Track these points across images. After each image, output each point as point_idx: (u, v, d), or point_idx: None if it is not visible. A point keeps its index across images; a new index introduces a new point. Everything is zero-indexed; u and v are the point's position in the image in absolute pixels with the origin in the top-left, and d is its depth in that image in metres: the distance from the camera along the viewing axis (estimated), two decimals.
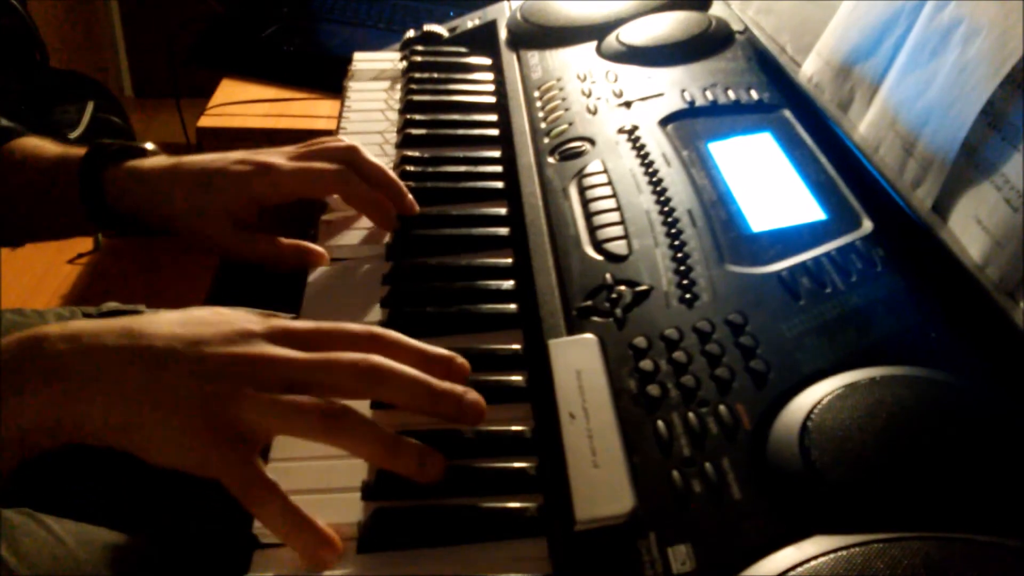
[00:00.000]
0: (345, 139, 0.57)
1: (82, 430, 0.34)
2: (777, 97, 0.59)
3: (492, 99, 0.69)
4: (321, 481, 0.38)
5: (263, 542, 0.35)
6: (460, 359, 0.39)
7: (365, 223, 0.56)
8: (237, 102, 0.99)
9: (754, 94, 0.60)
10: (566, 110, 0.61)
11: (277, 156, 0.54)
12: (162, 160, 0.56)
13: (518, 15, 0.75)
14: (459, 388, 0.37)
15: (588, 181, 0.53)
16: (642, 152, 0.55)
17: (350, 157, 0.54)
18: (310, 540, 0.34)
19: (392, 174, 0.55)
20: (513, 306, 0.48)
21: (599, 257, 0.47)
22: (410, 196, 0.55)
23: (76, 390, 0.34)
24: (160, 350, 0.34)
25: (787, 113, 0.57)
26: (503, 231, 0.55)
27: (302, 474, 0.38)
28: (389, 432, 0.36)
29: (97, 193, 0.54)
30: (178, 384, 0.34)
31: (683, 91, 0.61)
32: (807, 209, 0.49)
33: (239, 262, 0.55)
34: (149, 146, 0.56)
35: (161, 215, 0.54)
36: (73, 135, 1.18)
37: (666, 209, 0.50)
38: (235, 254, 0.54)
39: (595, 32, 0.70)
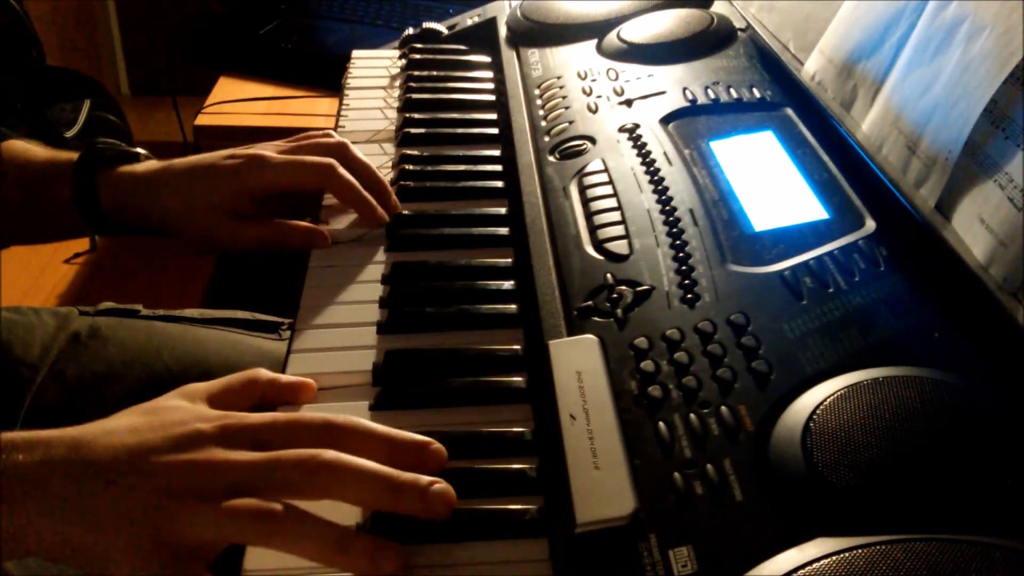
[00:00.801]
0: (340, 136, 0.57)
1: (26, 546, 0.33)
2: (779, 95, 0.59)
3: (492, 97, 0.69)
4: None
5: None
6: (435, 445, 0.36)
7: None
8: (235, 100, 0.99)
9: (756, 92, 0.59)
10: (566, 108, 0.61)
11: (267, 150, 0.54)
12: (153, 164, 0.56)
13: (518, 12, 0.74)
14: (423, 480, 0.34)
15: (589, 180, 0.53)
16: (643, 151, 0.55)
17: (339, 153, 0.55)
18: None
19: (378, 174, 0.56)
20: (513, 306, 0.48)
21: (600, 257, 0.47)
22: (394, 197, 0.56)
23: (20, 506, 0.33)
24: (105, 465, 0.33)
25: (789, 111, 0.57)
26: (503, 230, 0.54)
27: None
28: (336, 527, 0.33)
29: (91, 197, 0.54)
30: (120, 502, 0.33)
31: (685, 89, 0.60)
32: (809, 208, 0.48)
33: (239, 252, 0.55)
34: (141, 151, 0.57)
35: (155, 216, 0.55)
36: (69, 134, 1.18)
37: (667, 208, 0.49)
38: (232, 243, 0.54)
39: (596, 30, 0.70)
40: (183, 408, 0.37)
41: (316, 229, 0.54)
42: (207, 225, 0.54)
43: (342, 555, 0.33)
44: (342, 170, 0.53)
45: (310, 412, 0.37)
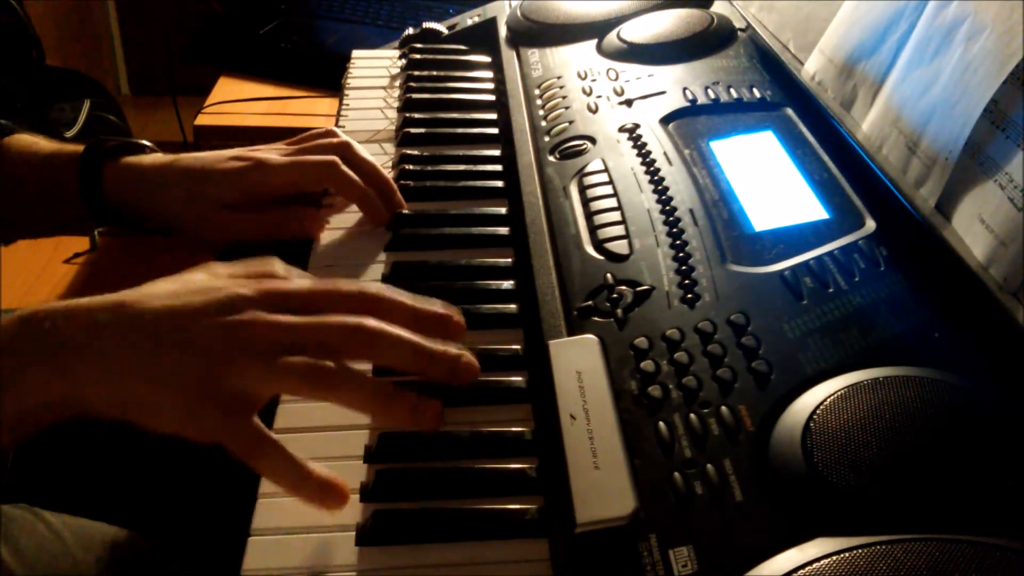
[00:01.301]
0: (341, 134, 0.57)
1: (81, 405, 0.35)
2: (779, 95, 0.59)
3: (492, 97, 0.69)
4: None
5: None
6: (457, 316, 0.39)
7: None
8: (235, 100, 0.99)
9: (756, 92, 0.59)
10: (566, 108, 0.61)
11: (271, 152, 0.55)
12: (159, 157, 0.56)
13: (518, 12, 0.74)
14: (452, 351, 0.37)
15: (589, 180, 0.53)
16: (643, 151, 0.55)
17: (343, 152, 0.55)
18: (315, 489, 0.34)
19: (382, 171, 0.56)
20: (513, 306, 0.48)
21: (600, 257, 0.47)
22: (399, 195, 0.56)
23: (72, 367, 0.34)
24: (150, 324, 0.35)
25: (789, 111, 0.57)
26: (503, 230, 0.54)
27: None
28: (382, 381, 0.36)
29: (96, 189, 0.55)
30: (169, 358, 0.34)
31: (685, 89, 0.60)
32: (809, 208, 0.48)
33: (237, 245, 0.55)
34: (146, 143, 0.57)
35: (158, 210, 0.55)
36: (69, 133, 1.18)
37: (667, 208, 0.49)
38: (230, 237, 0.55)
39: (596, 30, 0.70)
40: (221, 273, 0.38)
41: (310, 213, 0.54)
42: (207, 221, 0.54)
43: (387, 405, 0.35)
44: (345, 168, 0.54)
45: (343, 280, 0.38)
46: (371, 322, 0.36)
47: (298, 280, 0.38)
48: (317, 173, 0.54)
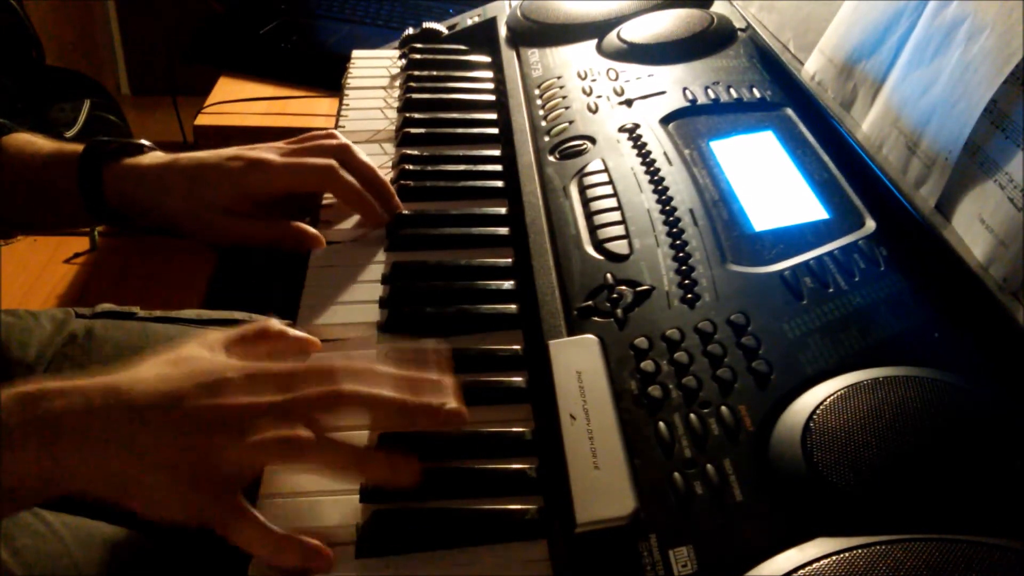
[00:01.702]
0: (340, 136, 0.57)
1: (73, 484, 0.36)
2: (779, 95, 0.59)
3: (492, 97, 0.69)
4: (320, 484, 0.38)
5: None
6: (447, 382, 0.39)
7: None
8: (235, 100, 0.99)
9: (756, 92, 0.59)
10: (566, 108, 0.61)
11: (270, 152, 0.55)
12: (159, 157, 0.56)
13: (518, 12, 0.74)
14: (433, 402, 0.37)
15: (589, 180, 0.53)
16: (643, 151, 0.55)
17: (342, 155, 0.55)
18: (297, 556, 0.35)
19: (380, 174, 0.56)
20: (513, 306, 0.48)
21: (600, 257, 0.47)
22: (396, 198, 0.56)
23: (66, 447, 0.35)
24: (142, 408, 0.36)
25: (789, 111, 0.57)
26: (503, 230, 0.54)
27: (302, 480, 0.38)
28: (356, 446, 0.37)
29: (96, 189, 0.55)
30: (160, 440, 0.35)
31: (685, 89, 0.60)
32: (809, 208, 0.48)
33: (236, 246, 0.56)
34: (145, 143, 0.57)
35: (158, 210, 0.55)
36: (69, 133, 1.18)
37: (667, 208, 0.49)
38: (230, 239, 0.55)
39: (596, 30, 0.70)
40: (205, 358, 0.39)
41: (311, 233, 0.54)
42: (206, 221, 0.54)
43: (364, 466, 0.37)
44: (343, 172, 0.54)
45: (333, 355, 0.40)
46: (347, 387, 0.37)
47: (284, 363, 0.39)
48: (315, 177, 0.54)
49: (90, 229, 1.13)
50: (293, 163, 0.54)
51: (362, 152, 0.56)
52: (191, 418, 0.36)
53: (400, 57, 0.76)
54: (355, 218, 0.56)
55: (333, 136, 0.57)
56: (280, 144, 0.56)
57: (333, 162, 0.54)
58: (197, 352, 0.39)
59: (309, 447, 0.36)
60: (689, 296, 0.43)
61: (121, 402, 0.36)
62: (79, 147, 0.56)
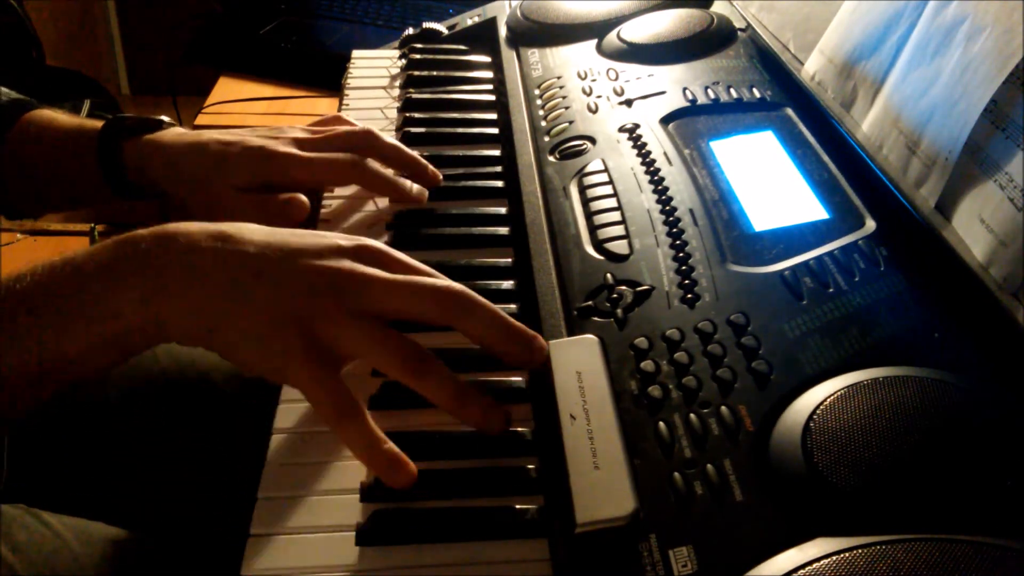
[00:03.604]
0: (357, 124, 0.57)
1: (173, 328, 0.35)
2: (779, 95, 0.59)
3: (492, 97, 0.69)
4: (321, 483, 0.38)
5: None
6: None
7: (365, 214, 0.56)
8: (235, 100, 0.99)
9: (756, 92, 0.59)
10: (566, 108, 0.61)
11: (292, 145, 0.54)
12: (180, 134, 0.56)
13: (518, 12, 0.74)
14: (530, 332, 0.38)
15: (589, 180, 0.53)
16: (643, 151, 0.55)
17: (367, 141, 0.55)
18: (384, 462, 0.35)
19: (409, 152, 0.56)
20: (513, 306, 0.48)
21: (600, 257, 0.47)
22: (431, 168, 0.56)
23: (170, 288, 0.35)
24: (252, 257, 0.35)
25: (789, 111, 0.57)
26: (503, 230, 0.54)
27: (301, 477, 0.38)
28: (462, 382, 0.37)
29: (117, 165, 0.55)
30: (268, 294, 0.35)
31: (685, 89, 0.60)
32: (809, 208, 0.48)
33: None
34: (165, 119, 0.57)
35: (176, 187, 0.55)
36: None
37: (667, 208, 0.49)
38: (233, 217, 0.55)
39: (596, 30, 0.70)
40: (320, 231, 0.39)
41: (295, 202, 0.54)
42: (217, 200, 0.54)
43: (462, 406, 0.37)
44: (371, 164, 0.54)
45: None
46: (465, 290, 0.37)
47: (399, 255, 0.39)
48: (343, 171, 0.54)
49: (91, 228, 1.13)
50: (319, 159, 0.53)
51: (383, 140, 0.56)
52: (304, 276, 0.35)
53: (400, 57, 0.76)
54: (355, 217, 0.56)
55: (351, 124, 0.57)
56: (302, 133, 0.55)
57: (357, 157, 0.54)
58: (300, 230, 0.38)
59: (426, 367, 0.35)
60: (689, 296, 0.43)
61: (231, 246, 0.36)
62: (99, 123, 0.56)
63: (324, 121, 0.58)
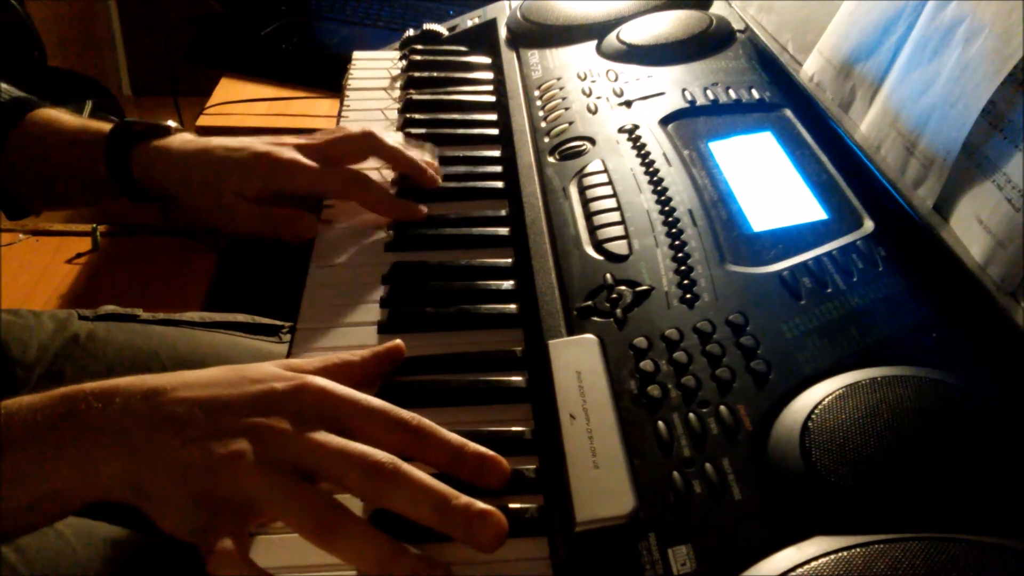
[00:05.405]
0: (356, 129, 0.57)
1: (104, 490, 0.34)
2: (778, 96, 0.59)
3: (492, 98, 0.69)
4: None
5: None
6: (498, 460, 0.36)
7: (366, 216, 0.56)
8: (236, 101, 0.99)
9: (755, 93, 0.59)
10: (566, 109, 0.61)
11: (298, 152, 0.55)
12: (188, 140, 0.56)
13: (518, 14, 0.75)
14: (476, 507, 0.33)
15: (588, 181, 0.53)
16: (643, 151, 0.55)
17: (369, 144, 0.56)
18: None
19: (408, 154, 0.57)
20: (513, 306, 0.48)
21: (599, 257, 0.47)
22: (430, 172, 0.57)
23: (102, 452, 0.34)
24: (177, 415, 0.34)
25: (788, 112, 0.57)
26: (503, 231, 0.55)
27: None
28: (388, 543, 0.33)
29: (124, 170, 0.55)
30: (184, 452, 0.34)
31: (684, 90, 0.60)
32: (808, 209, 0.48)
33: (250, 236, 0.56)
34: (172, 124, 0.57)
35: (180, 192, 0.56)
36: None
37: (667, 209, 0.49)
38: (238, 226, 0.55)
39: (595, 31, 0.70)
40: (267, 368, 0.37)
41: (301, 218, 0.55)
42: (222, 208, 0.54)
43: (386, 568, 0.32)
44: (370, 181, 0.55)
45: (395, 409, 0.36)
46: (397, 464, 0.33)
47: (343, 388, 0.36)
48: (345, 186, 0.55)
49: (92, 229, 1.13)
50: (323, 172, 0.54)
51: (386, 134, 0.57)
52: (227, 435, 0.33)
53: (401, 58, 0.76)
54: (356, 219, 0.56)
55: (349, 131, 0.57)
56: (304, 140, 0.56)
57: (361, 174, 0.55)
58: (252, 369, 0.36)
59: (337, 526, 0.32)
60: (688, 296, 0.43)
61: (157, 406, 0.34)
62: (104, 126, 0.57)
63: (330, 135, 0.58)
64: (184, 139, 0.56)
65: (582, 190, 0.53)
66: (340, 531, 0.32)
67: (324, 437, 0.34)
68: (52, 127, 0.58)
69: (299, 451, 0.34)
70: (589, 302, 0.44)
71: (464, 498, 0.33)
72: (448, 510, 0.33)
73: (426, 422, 0.36)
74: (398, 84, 0.73)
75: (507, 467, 0.36)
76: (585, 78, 0.65)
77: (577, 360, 0.40)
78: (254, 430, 0.34)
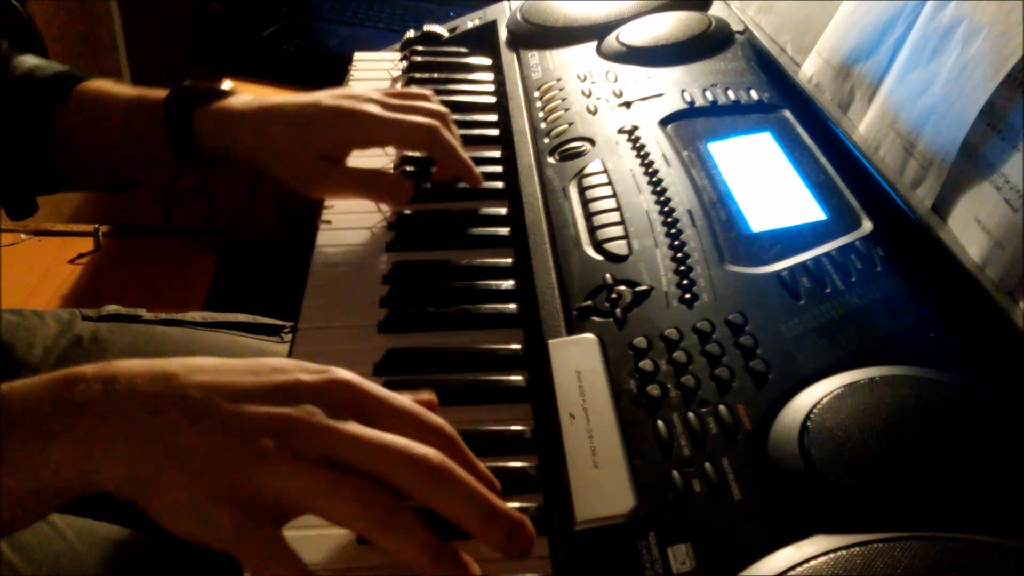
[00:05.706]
0: (438, 103, 0.56)
1: (102, 481, 0.31)
2: (777, 97, 0.59)
3: (492, 99, 0.69)
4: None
5: None
6: (524, 522, 0.32)
7: (367, 215, 0.56)
8: None
9: (754, 94, 0.60)
10: (566, 110, 0.61)
11: (373, 104, 0.53)
12: (251, 99, 0.55)
13: (518, 15, 0.75)
14: (516, 515, 0.31)
15: (588, 181, 0.53)
16: (642, 152, 0.55)
17: (441, 121, 0.55)
18: None
19: (462, 153, 0.56)
20: (513, 306, 0.48)
21: (599, 257, 0.47)
22: (477, 172, 0.56)
23: (101, 438, 0.30)
24: (194, 401, 0.31)
25: (787, 113, 0.57)
26: (503, 231, 0.55)
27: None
28: (436, 538, 0.30)
29: (187, 135, 0.53)
30: (202, 442, 0.30)
31: (683, 91, 0.61)
32: (807, 209, 0.49)
33: (325, 196, 0.55)
34: (228, 85, 0.56)
35: (254, 153, 0.53)
36: None
37: (666, 209, 0.50)
38: (325, 187, 0.54)
39: (595, 32, 0.70)
40: (284, 359, 0.34)
41: (403, 181, 0.54)
42: (305, 167, 0.52)
43: (436, 568, 0.30)
44: (445, 134, 0.54)
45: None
46: (446, 461, 0.31)
47: (376, 386, 0.33)
48: (420, 136, 0.53)
49: (95, 229, 1.13)
50: (400, 120, 0.53)
51: (454, 126, 0.56)
52: (246, 421, 0.30)
53: (401, 59, 0.76)
54: (358, 219, 0.56)
55: (432, 100, 0.56)
56: (379, 94, 0.55)
57: (437, 124, 0.53)
58: (275, 360, 0.33)
59: (391, 516, 0.29)
60: (687, 296, 0.43)
61: (170, 390, 0.30)
62: (159, 92, 0.55)
63: (406, 94, 0.56)
64: (244, 100, 0.54)
65: (582, 190, 0.53)
66: (395, 519, 0.30)
67: (362, 429, 0.31)
68: (106, 99, 0.56)
69: (336, 443, 0.30)
70: (589, 302, 0.44)
71: (503, 503, 0.32)
72: (494, 516, 0.31)
73: (457, 437, 0.33)
74: (399, 85, 0.73)
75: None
76: (585, 79, 0.65)
77: (577, 360, 0.40)
78: (285, 420, 0.30)
